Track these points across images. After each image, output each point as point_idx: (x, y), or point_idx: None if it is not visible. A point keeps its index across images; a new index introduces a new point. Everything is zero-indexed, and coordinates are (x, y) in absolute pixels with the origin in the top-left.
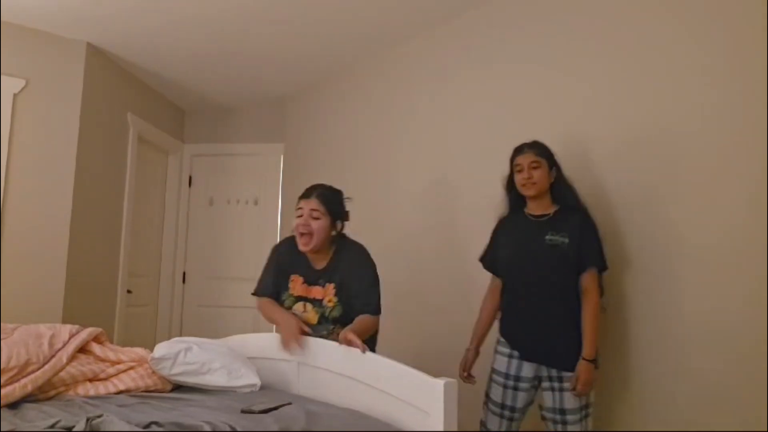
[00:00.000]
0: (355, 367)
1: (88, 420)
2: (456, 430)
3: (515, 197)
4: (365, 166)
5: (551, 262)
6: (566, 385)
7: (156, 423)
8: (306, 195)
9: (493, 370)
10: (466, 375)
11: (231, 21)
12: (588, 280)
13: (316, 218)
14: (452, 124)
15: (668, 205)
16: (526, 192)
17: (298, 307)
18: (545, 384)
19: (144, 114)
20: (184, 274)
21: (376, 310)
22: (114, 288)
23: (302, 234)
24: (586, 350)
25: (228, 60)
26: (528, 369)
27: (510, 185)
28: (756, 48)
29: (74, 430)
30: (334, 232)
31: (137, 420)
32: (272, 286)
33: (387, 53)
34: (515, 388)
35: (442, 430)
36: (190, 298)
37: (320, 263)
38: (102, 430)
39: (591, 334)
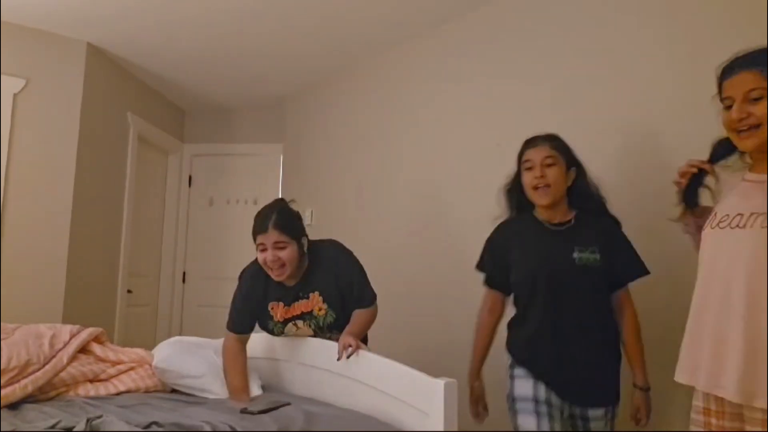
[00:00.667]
0: (354, 368)
1: (88, 421)
2: (456, 430)
3: (518, 197)
4: (365, 166)
5: (584, 285)
6: (593, 424)
7: (156, 423)
8: (262, 229)
9: (516, 399)
10: (482, 409)
11: (231, 21)
12: (624, 296)
13: (282, 248)
14: (452, 125)
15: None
16: (539, 199)
17: (290, 328)
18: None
19: (144, 114)
20: (184, 274)
21: (370, 301)
22: (114, 288)
23: (273, 268)
24: (640, 377)
25: (228, 60)
26: (555, 396)
27: (513, 188)
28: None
29: (74, 430)
30: (304, 250)
31: (137, 421)
32: (247, 321)
33: (387, 54)
34: (550, 415)
35: (442, 430)
36: (190, 298)
37: (293, 280)
38: (102, 430)
39: (639, 358)
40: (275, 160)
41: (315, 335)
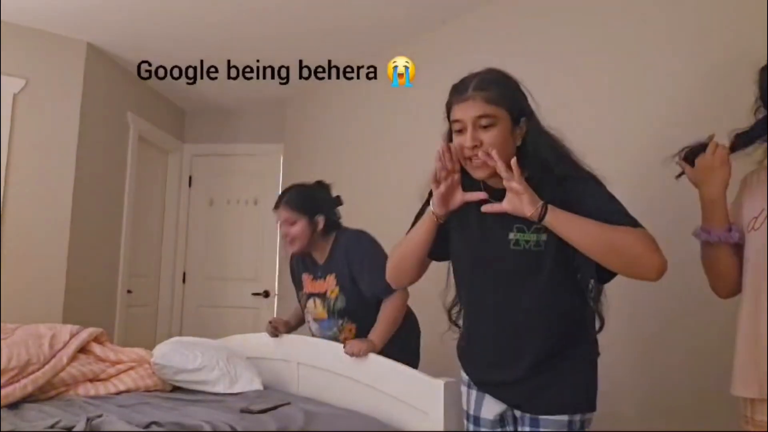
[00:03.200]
0: (354, 368)
1: (88, 420)
2: (456, 430)
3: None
4: (365, 166)
5: (521, 274)
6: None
7: (156, 423)
8: (275, 207)
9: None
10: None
11: (231, 21)
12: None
13: (292, 224)
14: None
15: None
16: (474, 173)
17: (310, 304)
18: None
19: (144, 114)
20: (184, 274)
21: (384, 290)
22: (114, 288)
23: (286, 243)
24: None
25: (228, 60)
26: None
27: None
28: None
29: (74, 430)
30: (321, 226)
31: (137, 420)
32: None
33: (387, 54)
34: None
35: (442, 430)
36: (190, 298)
37: (321, 257)
38: (102, 430)
39: None
40: (275, 160)
41: (328, 318)
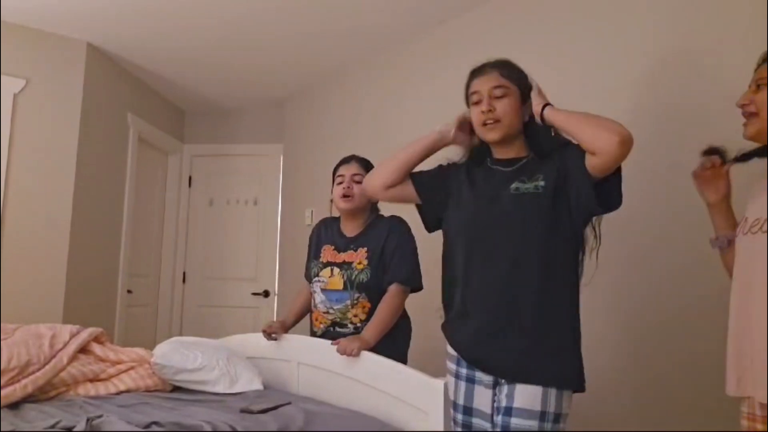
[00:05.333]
0: (354, 367)
1: (88, 420)
2: (456, 430)
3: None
4: None
5: (516, 219)
6: (518, 401)
7: (156, 423)
8: (346, 161)
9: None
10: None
11: (231, 21)
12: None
13: (358, 182)
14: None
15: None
16: (487, 135)
17: (325, 272)
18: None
19: (144, 114)
20: (184, 274)
21: (405, 276)
22: (114, 288)
23: (344, 196)
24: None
25: (228, 60)
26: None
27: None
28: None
29: (74, 430)
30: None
31: (138, 420)
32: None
33: (386, 54)
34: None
35: (442, 430)
36: (190, 298)
37: (353, 231)
38: (102, 430)
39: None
40: (275, 160)
41: (344, 289)
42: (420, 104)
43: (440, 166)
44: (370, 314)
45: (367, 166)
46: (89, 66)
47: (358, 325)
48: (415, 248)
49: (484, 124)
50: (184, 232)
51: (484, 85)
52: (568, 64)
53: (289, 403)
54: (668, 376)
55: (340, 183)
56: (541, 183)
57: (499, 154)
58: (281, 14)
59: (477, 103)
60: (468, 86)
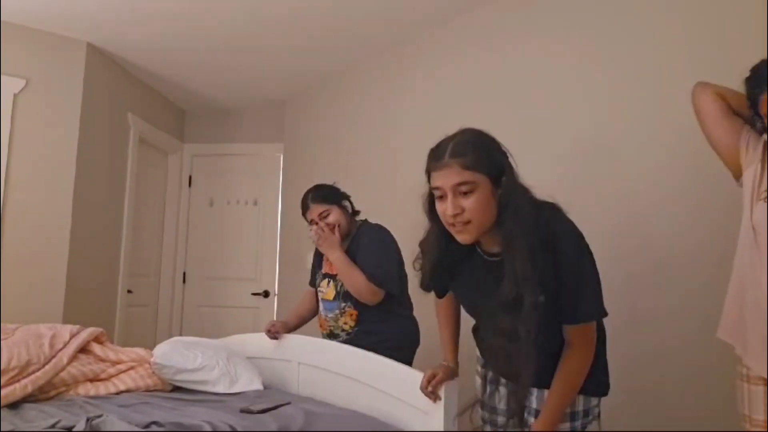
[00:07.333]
0: (354, 367)
1: (88, 420)
2: (456, 430)
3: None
4: (365, 167)
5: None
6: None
7: (156, 423)
8: (304, 208)
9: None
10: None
11: (231, 21)
12: (574, 332)
13: (327, 215)
14: (453, 125)
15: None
16: (458, 237)
17: (324, 283)
18: None
19: (144, 114)
20: (184, 274)
21: (379, 279)
22: (114, 288)
23: (328, 235)
24: (546, 417)
25: (228, 60)
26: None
27: (432, 212)
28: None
29: (74, 430)
30: (350, 209)
31: (137, 420)
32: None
33: (386, 54)
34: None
35: (442, 430)
36: (190, 298)
37: (345, 243)
38: (102, 430)
39: (552, 401)
40: (275, 160)
41: (333, 300)
42: (419, 105)
43: (426, 252)
44: (357, 321)
45: (326, 194)
46: (89, 66)
47: (349, 332)
48: (394, 250)
49: (452, 224)
50: (184, 232)
51: (446, 181)
52: (573, 63)
53: (289, 403)
54: (665, 377)
55: (312, 229)
56: (541, 299)
57: (483, 246)
58: (281, 16)
59: (441, 197)
60: (428, 174)
